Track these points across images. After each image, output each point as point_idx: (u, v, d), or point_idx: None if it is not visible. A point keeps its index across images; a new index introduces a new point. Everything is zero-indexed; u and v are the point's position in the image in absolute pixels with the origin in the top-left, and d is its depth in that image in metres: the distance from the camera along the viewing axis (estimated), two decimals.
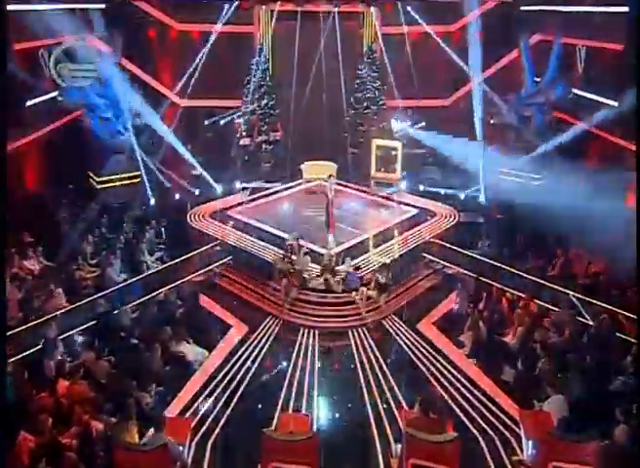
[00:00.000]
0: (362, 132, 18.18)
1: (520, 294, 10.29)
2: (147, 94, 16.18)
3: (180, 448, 6.54)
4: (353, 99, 18.15)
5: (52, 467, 6.06)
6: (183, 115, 17.05)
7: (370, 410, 8.19)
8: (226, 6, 16.88)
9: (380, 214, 15.20)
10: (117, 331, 9.27)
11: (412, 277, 12.18)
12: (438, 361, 9.34)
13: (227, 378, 8.93)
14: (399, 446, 6.61)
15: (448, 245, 12.68)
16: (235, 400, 8.43)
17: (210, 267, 12.19)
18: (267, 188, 16.65)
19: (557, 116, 15.51)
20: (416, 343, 9.94)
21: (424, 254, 12.72)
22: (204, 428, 7.76)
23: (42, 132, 14.20)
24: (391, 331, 10.49)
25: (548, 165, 15.41)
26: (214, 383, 8.77)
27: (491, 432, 7.62)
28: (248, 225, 14.19)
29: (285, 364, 9.46)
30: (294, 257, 11.70)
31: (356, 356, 9.66)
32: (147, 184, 15.54)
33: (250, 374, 9.08)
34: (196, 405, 8.24)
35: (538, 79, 15.60)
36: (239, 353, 9.65)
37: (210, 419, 7.95)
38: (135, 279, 11.12)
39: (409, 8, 17.29)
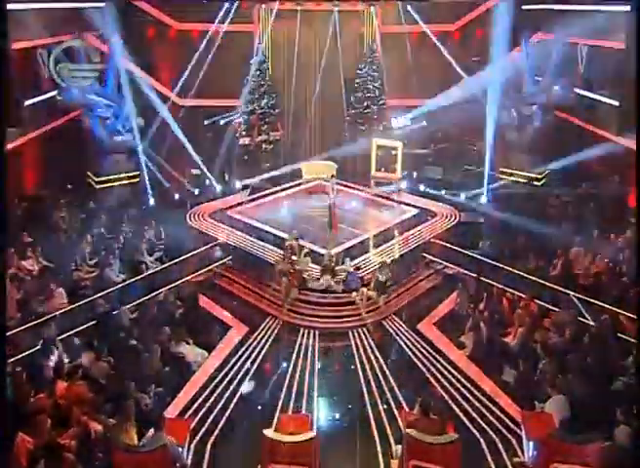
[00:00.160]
0: (362, 131, 18.14)
1: (521, 295, 10.26)
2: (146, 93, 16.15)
3: (180, 449, 6.50)
4: (353, 99, 18.12)
5: None
6: (183, 115, 16.97)
7: (370, 411, 8.16)
8: (226, 5, 16.84)
9: (380, 215, 15.19)
10: (116, 331, 9.23)
11: (412, 277, 12.15)
12: (439, 361, 9.32)
13: (227, 379, 8.90)
14: (399, 447, 6.57)
15: (448, 245, 12.64)
16: (235, 401, 8.40)
17: (209, 267, 12.16)
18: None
19: (558, 115, 15.47)
20: (416, 344, 9.92)
21: (425, 255, 12.70)
22: (203, 429, 7.73)
23: (41, 131, 14.16)
24: (392, 331, 10.46)
25: (549, 164, 15.43)
26: (213, 384, 8.74)
27: (491, 433, 7.59)
28: (248, 225, 14.18)
29: (285, 364, 9.43)
30: (294, 258, 11.68)
31: (356, 356, 9.63)
32: (147, 184, 15.50)
33: (250, 375, 9.05)
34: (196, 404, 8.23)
35: (539, 78, 15.56)
36: (239, 354, 9.62)
37: (209, 420, 7.93)
38: (134, 279, 11.09)
39: (409, 7, 17.25)
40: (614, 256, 11.04)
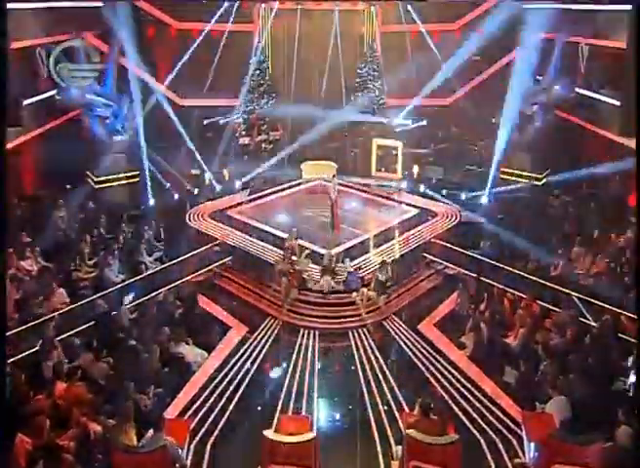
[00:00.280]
0: (363, 131, 18.11)
1: (522, 295, 10.22)
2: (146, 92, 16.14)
3: (179, 449, 6.47)
4: (353, 98, 18.08)
5: None
6: (183, 114, 16.94)
7: (370, 412, 8.14)
8: (226, 4, 16.81)
9: (380, 214, 15.14)
10: (115, 332, 9.20)
11: (413, 277, 12.12)
12: (439, 362, 9.29)
13: (227, 380, 8.88)
14: (400, 448, 6.55)
15: (449, 245, 12.61)
16: (235, 401, 8.38)
17: (209, 267, 12.13)
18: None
19: (559, 115, 15.44)
20: (416, 344, 9.89)
21: (425, 255, 12.66)
22: (203, 430, 7.71)
23: (39, 131, 14.13)
24: (392, 331, 10.43)
25: (550, 164, 15.39)
26: (213, 384, 8.72)
27: (492, 434, 7.58)
28: (248, 225, 14.15)
29: (285, 365, 9.40)
30: (294, 258, 11.64)
31: (356, 357, 9.60)
32: (146, 184, 15.48)
33: (249, 376, 9.02)
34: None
35: (540, 78, 15.53)
36: (238, 354, 9.60)
37: (209, 421, 7.90)
38: (133, 279, 11.05)
39: (409, 6, 17.22)
40: (615, 257, 11.01)
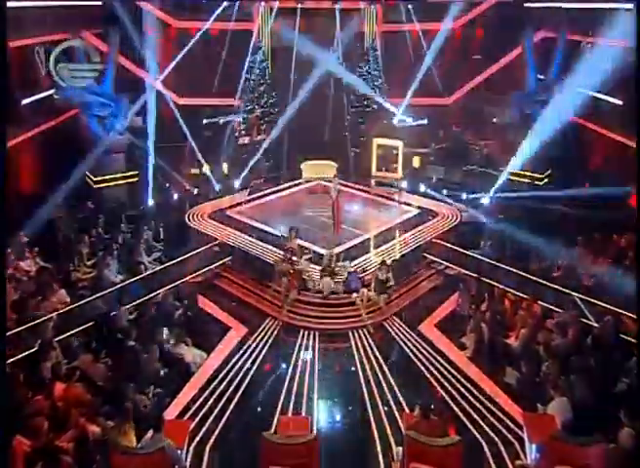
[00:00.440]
0: (363, 130, 18.08)
1: (523, 296, 10.18)
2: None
3: (179, 451, 6.44)
4: (354, 97, 18.05)
5: None
6: (182, 114, 16.91)
7: (370, 413, 8.10)
8: (225, 3, 16.78)
9: (381, 215, 15.11)
10: (114, 332, 9.16)
11: (413, 278, 12.09)
12: (440, 363, 9.24)
13: (226, 380, 8.84)
14: (400, 449, 6.51)
15: (450, 245, 12.57)
16: (234, 402, 8.34)
17: (209, 268, 12.09)
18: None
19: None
20: (417, 345, 9.85)
21: (426, 255, 12.62)
22: (203, 431, 7.67)
23: (38, 130, 14.09)
24: (392, 332, 10.39)
25: (552, 164, 15.35)
26: (212, 385, 8.67)
27: (493, 435, 7.53)
28: (247, 225, 14.11)
29: (284, 366, 9.36)
30: (294, 258, 11.60)
31: (357, 358, 9.57)
32: (145, 184, 15.44)
33: (249, 377, 8.98)
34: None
35: (541, 77, 15.50)
36: (238, 355, 9.56)
37: (209, 422, 7.87)
38: (132, 280, 11.00)
39: (410, 6, 17.19)
40: (616, 257, 10.97)
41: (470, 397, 8.36)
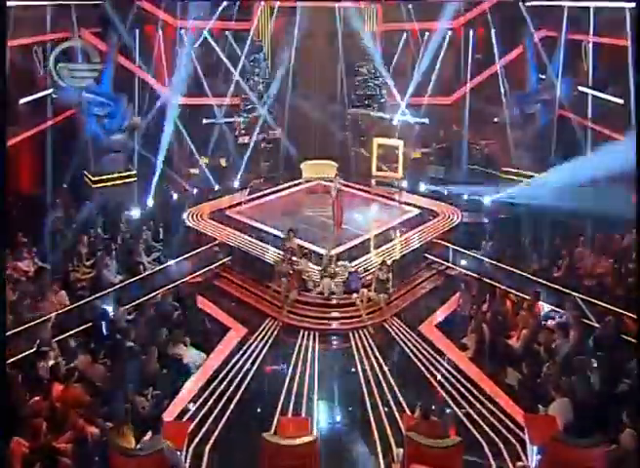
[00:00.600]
0: (363, 130, 18.04)
1: (524, 296, 10.14)
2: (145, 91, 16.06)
3: (178, 452, 6.40)
4: (354, 97, 18.01)
5: None
6: (181, 113, 16.87)
7: (371, 414, 8.05)
8: (225, 3, 16.74)
9: (381, 215, 15.08)
10: (113, 333, 9.12)
11: (414, 278, 12.05)
12: (440, 363, 9.21)
13: (226, 381, 8.80)
14: (401, 450, 6.47)
15: (451, 245, 12.53)
16: (234, 403, 8.30)
17: (208, 268, 12.04)
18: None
19: (562, 114, 15.37)
20: (418, 346, 9.81)
21: (427, 255, 12.58)
22: (202, 432, 7.63)
23: (36, 130, 14.05)
24: (393, 333, 10.35)
25: (552, 163, 15.30)
26: (212, 386, 8.64)
27: (494, 436, 7.48)
28: (247, 225, 14.07)
29: (284, 366, 9.32)
30: (294, 258, 11.56)
31: (357, 358, 9.53)
32: (145, 184, 15.39)
33: (249, 377, 8.94)
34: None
35: (542, 76, 15.46)
36: (238, 355, 9.52)
37: (208, 423, 7.83)
38: (131, 280, 10.96)
39: (410, 5, 17.15)
40: (618, 257, 10.93)
41: (471, 398, 8.32)
